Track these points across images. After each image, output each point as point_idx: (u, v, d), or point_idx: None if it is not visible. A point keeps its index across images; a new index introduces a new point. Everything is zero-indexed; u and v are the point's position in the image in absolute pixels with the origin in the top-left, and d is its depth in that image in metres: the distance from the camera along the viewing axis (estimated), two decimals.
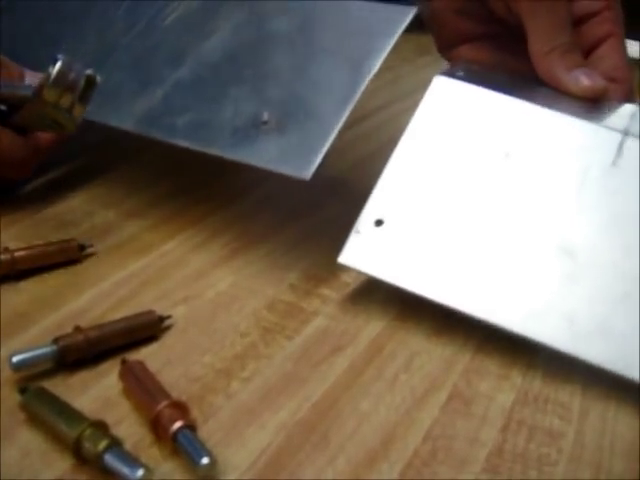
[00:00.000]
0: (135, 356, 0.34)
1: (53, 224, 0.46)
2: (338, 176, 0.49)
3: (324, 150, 0.37)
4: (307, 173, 0.37)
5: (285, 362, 0.35)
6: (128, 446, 0.29)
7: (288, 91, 0.40)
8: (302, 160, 0.38)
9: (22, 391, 0.31)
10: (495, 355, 0.36)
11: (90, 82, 0.40)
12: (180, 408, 0.30)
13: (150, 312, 0.36)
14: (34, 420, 0.30)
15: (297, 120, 0.39)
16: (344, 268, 0.42)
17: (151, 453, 0.29)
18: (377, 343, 0.37)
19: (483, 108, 0.40)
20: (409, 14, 0.39)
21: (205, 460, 0.27)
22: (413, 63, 0.78)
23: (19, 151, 0.45)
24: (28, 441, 0.29)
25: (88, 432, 0.28)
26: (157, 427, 0.29)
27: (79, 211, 0.47)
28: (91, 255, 0.43)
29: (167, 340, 0.36)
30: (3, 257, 0.39)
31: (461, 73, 0.43)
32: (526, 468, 0.30)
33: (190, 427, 0.29)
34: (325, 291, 0.41)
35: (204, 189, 0.52)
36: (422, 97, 0.41)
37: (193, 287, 0.40)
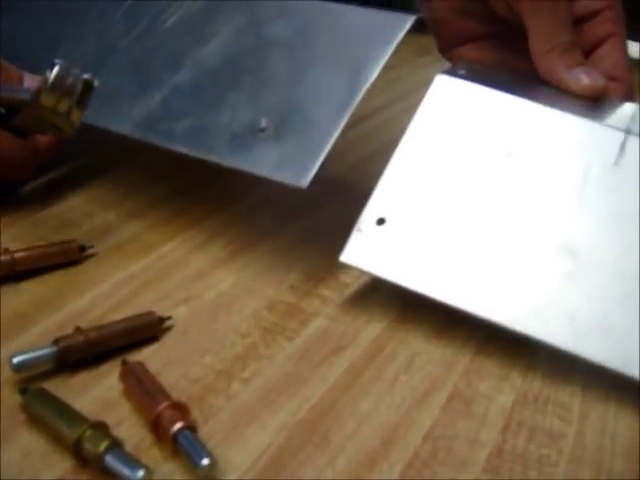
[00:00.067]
0: (135, 357, 0.34)
1: (53, 225, 0.46)
2: (338, 176, 0.49)
3: (321, 158, 0.37)
4: (304, 181, 0.37)
5: (285, 363, 0.35)
6: (129, 447, 0.29)
7: (286, 98, 0.40)
8: (299, 168, 0.38)
9: (22, 392, 0.31)
10: (495, 356, 0.36)
11: (88, 86, 0.40)
12: (180, 409, 0.30)
13: (150, 313, 0.36)
14: (34, 421, 0.30)
15: (294, 127, 0.39)
16: (344, 269, 0.42)
17: (151, 454, 0.29)
18: (377, 344, 0.37)
19: (485, 107, 0.40)
20: (408, 21, 0.39)
21: (205, 461, 0.27)
22: (413, 63, 0.78)
23: (18, 153, 0.45)
24: (28, 442, 0.29)
25: (88, 433, 0.28)
26: (157, 428, 0.29)
27: (79, 212, 0.47)
28: (91, 256, 0.43)
29: (167, 341, 0.36)
30: (3, 258, 0.39)
31: (463, 72, 0.43)
32: (526, 469, 0.30)
33: (190, 428, 0.29)
34: (325, 292, 0.41)
35: (204, 190, 0.52)
36: (423, 96, 0.41)
37: (193, 288, 0.40)
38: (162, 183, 0.52)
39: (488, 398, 0.34)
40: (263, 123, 0.40)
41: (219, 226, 0.47)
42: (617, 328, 0.33)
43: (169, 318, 0.37)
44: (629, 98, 0.46)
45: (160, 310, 0.37)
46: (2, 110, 0.44)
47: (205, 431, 0.30)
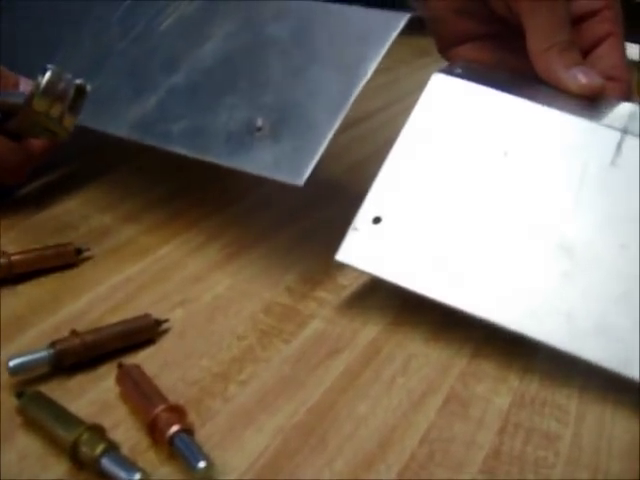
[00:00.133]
0: (132, 360, 0.34)
1: (50, 228, 0.46)
2: (335, 178, 0.49)
3: (317, 157, 0.37)
4: (300, 179, 0.37)
5: (282, 365, 0.35)
6: (125, 450, 0.29)
7: (282, 97, 0.40)
8: (295, 166, 0.38)
9: (19, 395, 0.31)
10: (492, 358, 0.36)
11: (80, 92, 0.40)
12: (177, 412, 0.30)
13: (147, 316, 0.36)
14: (31, 424, 0.30)
15: (291, 126, 0.39)
16: (341, 271, 0.42)
17: (148, 457, 0.29)
18: (374, 346, 0.37)
19: (481, 105, 0.40)
20: (402, 20, 0.39)
21: (202, 464, 0.27)
22: (411, 65, 0.78)
23: (12, 156, 0.45)
24: (25, 445, 0.29)
25: (85, 436, 0.28)
26: (154, 431, 0.29)
27: (75, 215, 0.47)
28: (88, 259, 0.43)
29: (164, 344, 0.36)
30: (0, 261, 0.39)
31: (459, 70, 0.43)
32: (523, 471, 0.30)
33: (187, 431, 0.29)
34: (322, 294, 0.41)
35: (200, 192, 0.52)
36: (420, 94, 0.41)
37: (190, 290, 0.40)
38: (158, 186, 0.52)
39: (485, 400, 0.34)
40: (259, 123, 0.40)
41: (215, 229, 0.47)
42: (614, 328, 0.33)
43: (166, 321, 0.37)
44: (627, 98, 0.46)
45: (157, 313, 0.37)
46: None
47: (202, 434, 0.30)
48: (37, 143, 0.47)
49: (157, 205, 0.49)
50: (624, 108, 0.43)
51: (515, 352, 0.36)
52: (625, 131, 0.38)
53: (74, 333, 0.34)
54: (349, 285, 0.41)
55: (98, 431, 0.29)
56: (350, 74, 0.39)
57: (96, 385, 0.33)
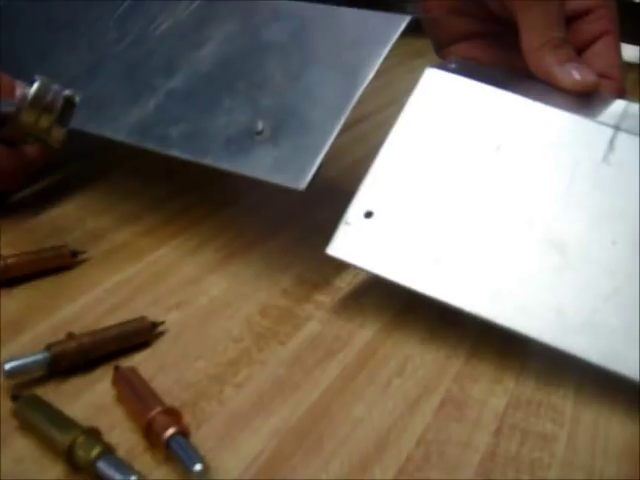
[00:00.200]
0: (128, 362, 0.34)
1: (45, 231, 0.46)
2: (330, 180, 0.49)
3: (319, 160, 0.37)
4: (302, 183, 0.37)
5: (278, 367, 0.35)
6: (121, 453, 0.29)
7: (282, 100, 0.40)
8: (297, 170, 0.38)
9: (15, 398, 0.31)
10: (488, 359, 0.36)
11: (69, 103, 0.40)
12: (173, 414, 0.30)
13: (143, 318, 0.36)
14: (27, 427, 0.30)
15: (291, 130, 0.39)
16: (337, 273, 0.42)
17: (144, 460, 0.29)
18: (370, 348, 0.37)
19: (474, 100, 0.40)
20: (402, 23, 0.39)
21: (198, 466, 0.27)
22: (407, 66, 0.78)
23: (6, 163, 0.45)
24: (21, 448, 0.29)
25: (81, 439, 0.28)
26: (150, 434, 0.29)
27: (71, 218, 0.47)
28: (84, 261, 0.43)
29: (160, 346, 0.36)
30: None
31: (453, 66, 0.43)
32: (519, 472, 0.30)
33: (183, 433, 0.29)
34: (318, 296, 0.41)
35: (197, 194, 0.52)
36: (414, 89, 0.41)
37: (186, 293, 0.40)
38: (154, 188, 0.52)
39: (481, 401, 0.34)
40: (259, 126, 0.40)
41: (211, 231, 0.47)
42: (604, 324, 0.33)
43: (162, 323, 0.37)
44: (621, 96, 0.46)
45: (153, 315, 0.37)
46: None
47: (198, 436, 0.30)
48: (32, 149, 0.47)
49: (153, 207, 0.49)
50: (618, 105, 0.43)
51: (510, 353, 0.36)
52: (617, 128, 0.38)
53: (70, 336, 0.34)
54: (345, 287, 0.41)
55: (94, 434, 0.29)
56: (351, 77, 0.39)
57: (92, 388, 0.33)
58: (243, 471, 0.29)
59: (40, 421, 0.29)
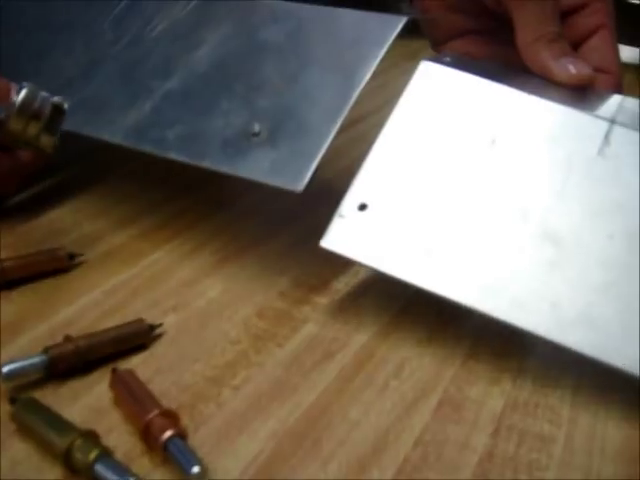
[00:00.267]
0: (125, 365, 0.34)
1: (42, 234, 0.46)
2: (329, 180, 0.49)
3: (316, 161, 0.37)
4: (300, 185, 0.37)
5: (276, 369, 0.35)
6: (119, 456, 0.29)
7: (279, 102, 0.40)
8: (294, 172, 0.37)
9: (12, 401, 0.31)
10: (485, 360, 0.36)
11: (58, 110, 0.40)
12: (170, 417, 0.30)
13: (140, 321, 0.36)
14: (24, 430, 0.30)
15: (288, 131, 0.39)
16: (334, 275, 0.42)
17: (142, 462, 0.29)
18: (367, 350, 0.37)
19: (469, 94, 0.40)
20: (399, 23, 0.39)
21: (196, 469, 0.27)
22: (401, 68, 0.78)
23: (1, 167, 0.45)
24: (19, 451, 0.29)
25: (78, 442, 0.28)
26: (147, 436, 0.29)
27: (68, 220, 0.47)
28: (81, 264, 0.43)
29: (157, 349, 0.36)
30: None
31: (448, 59, 0.43)
32: (516, 473, 0.30)
33: (180, 436, 0.29)
34: (315, 298, 0.41)
35: (192, 197, 0.52)
36: (408, 81, 0.41)
37: (183, 295, 0.40)
38: (150, 191, 0.52)
39: (478, 403, 0.34)
40: (256, 128, 0.40)
41: (208, 233, 0.47)
42: (600, 317, 0.33)
43: (159, 326, 0.37)
44: (618, 91, 0.46)
45: (150, 318, 0.37)
46: None
47: (196, 439, 0.30)
48: (26, 153, 0.47)
49: (149, 210, 0.49)
50: (614, 99, 0.43)
51: (508, 354, 0.36)
52: (613, 121, 0.38)
53: (67, 339, 0.34)
54: (342, 289, 0.41)
55: (92, 437, 0.29)
56: (348, 78, 0.39)
57: (90, 391, 0.33)
58: (241, 473, 0.29)
59: (38, 424, 0.29)
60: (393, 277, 0.36)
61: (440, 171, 0.38)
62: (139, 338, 0.36)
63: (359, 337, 0.38)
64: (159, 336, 0.37)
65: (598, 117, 0.38)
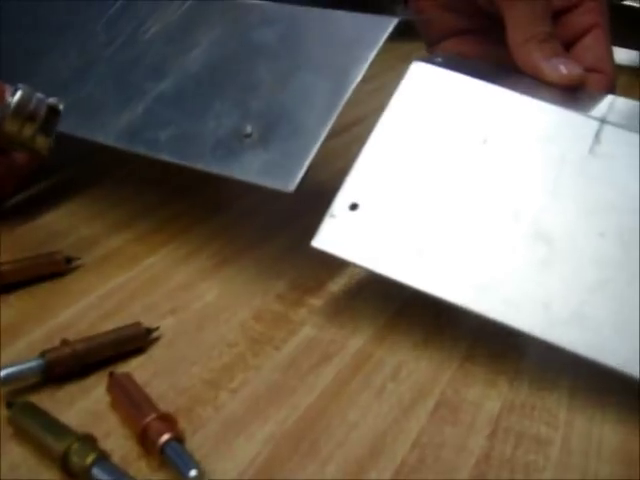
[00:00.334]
0: (123, 368, 0.34)
1: (39, 237, 0.46)
2: (324, 183, 0.49)
3: (307, 162, 0.37)
4: (291, 186, 0.37)
5: (273, 372, 0.35)
6: (116, 459, 0.29)
7: (271, 103, 0.40)
8: (285, 173, 0.38)
9: (9, 405, 0.31)
10: (482, 363, 0.36)
11: (53, 111, 0.40)
12: (168, 420, 0.30)
13: (137, 324, 0.36)
14: (22, 434, 0.30)
15: (280, 132, 0.39)
16: (331, 277, 0.42)
17: (139, 466, 0.29)
18: (364, 352, 0.37)
19: (461, 94, 0.40)
20: (390, 25, 0.39)
21: (193, 472, 0.27)
22: (397, 70, 0.78)
23: None
24: (16, 455, 0.29)
25: (75, 446, 0.28)
26: (145, 440, 0.29)
27: (64, 224, 0.47)
28: (77, 268, 0.43)
29: (155, 352, 0.36)
30: None
31: (440, 59, 0.43)
32: (513, 475, 0.30)
33: (178, 439, 0.29)
34: (312, 300, 0.41)
35: (190, 199, 0.52)
36: (400, 82, 0.41)
37: (180, 299, 0.40)
38: (147, 194, 0.52)
39: (475, 405, 0.34)
40: (248, 129, 0.40)
41: (204, 237, 0.47)
42: (592, 316, 0.33)
43: (156, 329, 0.37)
44: (611, 90, 0.46)
45: (147, 321, 0.37)
46: None
47: (193, 442, 0.30)
48: (20, 156, 0.47)
49: (147, 213, 0.49)
50: (605, 99, 0.43)
51: (505, 357, 0.36)
52: (604, 120, 0.38)
53: (64, 342, 0.34)
54: (339, 291, 0.42)
55: (89, 441, 0.29)
56: (339, 79, 0.39)
57: (87, 394, 0.33)
58: (239, 476, 0.29)
59: (35, 428, 0.29)
60: (384, 277, 0.36)
61: (432, 171, 0.38)
62: (136, 342, 0.36)
63: (356, 340, 0.38)
64: (156, 339, 0.37)
65: (589, 116, 0.39)
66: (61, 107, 0.41)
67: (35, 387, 0.33)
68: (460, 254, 0.36)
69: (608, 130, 0.37)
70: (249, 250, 0.45)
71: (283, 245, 0.46)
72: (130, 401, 0.31)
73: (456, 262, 0.36)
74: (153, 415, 0.29)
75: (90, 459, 0.27)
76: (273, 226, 0.49)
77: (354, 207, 0.38)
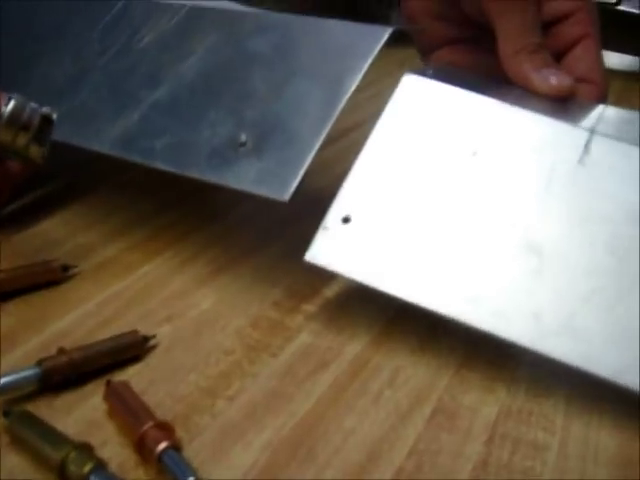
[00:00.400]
0: (120, 376, 0.34)
1: (35, 245, 0.46)
2: (319, 191, 0.49)
3: (302, 171, 0.37)
4: (286, 194, 0.37)
5: (270, 379, 0.35)
6: (113, 468, 0.29)
7: (265, 112, 0.40)
8: (280, 181, 0.38)
9: (6, 414, 0.31)
10: (479, 368, 0.36)
11: (47, 121, 0.40)
12: (165, 429, 0.30)
13: (134, 332, 0.36)
14: (19, 443, 0.30)
15: (275, 141, 0.39)
16: (328, 284, 0.42)
17: (136, 474, 0.29)
18: (361, 358, 0.37)
19: (451, 106, 0.40)
20: (385, 33, 0.39)
21: None
22: (394, 77, 0.78)
23: None
24: (13, 465, 0.29)
25: (73, 454, 0.28)
26: (142, 448, 0.29)
27: (60, 232, 0.47)
28: (74, 276, 0.43)
29: (152, 360, 0.36)
30: None
31: (431, 71, 0.43)
32: None
33: (175, 447, 0.29)
34: (309, 307, 0.41)
35: (186, 206, 0.52)
36: (391, 95, 0.41)
37: (177, 306, 0.40)
38: (142, 202, 0.52)
39: (472, 411, 0.34)
40: (243, 138, 0.40)
41: (201, 244, 0.47)
42: (583, 326, 0.33)
43: (153, 337, 0.37)
44: (602, 100, 0.46)
45: (144, 329, 0.37)
46: None
47: (190, 450, 0.30)
48: (15, 164, 0.47)
49: (143, 220, 0.49)
50: (596, 109, 0.43)
51: (501, 362, 0.36)
52: (593, 131, 0.38)
53: (61, 351, 0.34)
54: (335, 297, 0.42)
55: (86, 449, 0.29)
56: (334, 88, 0.39)
57: (84, 403, 0.33)
58: None
59: (32, 437, 0.29)
60: (377, 290, 0.37)
61: (423, 183, 0.39)
62: (133, 349, 0.36)
63: (353, 346, 0.38)
64: (153, 347, 0.37)
65: (579, 127, 0.39)
66: (54, 117, 0.41)
67: (32, 396, 0.33)
68: (452, 266, 0.36)
69: (598, 140, 0.38)
70: (245, 258, 0.45)
71: (279, 252, 0.46)
72: (127, 409, 0.31)
73: (448, 274, 0.36)
74: (150, 423, 0.29)
75: (87, 468, 0.27)
76: (269, 234, 0.49)
77: (346, 220, 0.38)
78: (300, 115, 0.39)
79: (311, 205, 0.45)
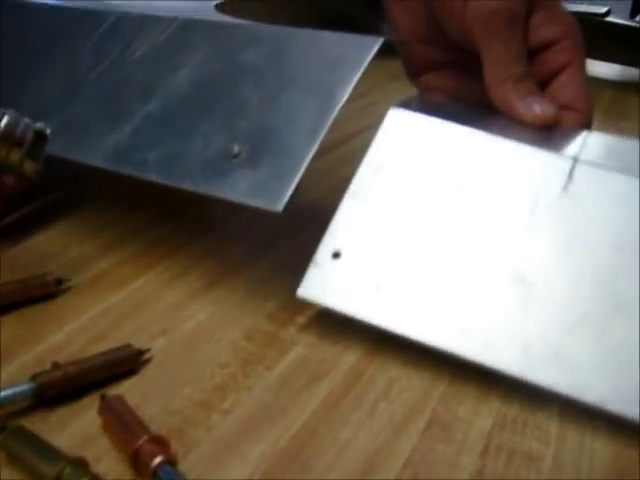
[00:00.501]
0: (114, 391, 0.34)
1: (29, 259, 0.45)
2: (313, 203, 0.50)
3: (295, 182, 0.38)
4: (279, 205, 0.37)
5: (265, 392, 0.35)
6: None
7: (258, 123, 0.40)
8: (273, 192, 0.38)
9: (0, 430, 0.30)
10: (473, 379, 0.36)
11: (40, 137, 0.41)
12: (160, 443, 0.30)
13: (128, 346, 0.36)
14: (13, 459, 0.30)
15: (267, 152, 0.39)
16: None
17: None
18: (356, 371, 0.37)
19: (436, 139, 0.41)
20: (376, 44, 0.39)
21: None
22: (386, 88, 0.78)
23: None
24: None
25: (68, 470, 0.28)
26: (137, 463, 0.29)
27: (54, 245, 0.47)
28: (68, 289, 0.42)
29: (146, 373, 0.36)
30: None
31: (415, 104, 0.43)
32: None
33: (170, 462, 0.29)
34: (303, 320, 0.41)
35: (180, 219, 0.52)
36: (378, 129, 0.42)
37: (171, 319, 0.40)
38: (137, 214, 0.52)
39: (467, 422, 0.34)
40: (236, 149, 0.40)
41: (194, 257, 0.47)
42: (570, 355, 0.34)
43: (147, 351, 0.37)
44: (587, 127, 0.46)
45: (138, 343, 0.37)
46: None
47: (186, 464, 0.30)
48: (9, 178, 0.47)
49: (137, 234, 0.49)
50: (580, 136, 0.44)
51: (495, 373, 0.36)
52: (576, 159, 0.38)
53: (56, 365, 0.34)
54: (330, 310, 0.41)
55: (81, 464, 0.28)
56: (325, 99, 0.39)
57: (78, 417, 0.33)
58: None
59: (26, 452, 0.29)
60: (368, 324, 0.37)
61: (411, 217, 0.39)
62: (128, 363, 0.36)
63: (347, 358, 0.38)
64: (147, 361, 0.37)
65: (562, 155, 0.39)
66: (48, 132, 0.41)
67: (26, 411, 0.33)
68: (441, 298, 0.37)
69: (581, 168, 0.38)
70: (239, 270, 0.45)
71: (273, 264, 0.46)
72: (122, 424, 0.31)
73: (437, 306, 0.37)
74: (145, 437, 0.29)
75: None
76: (263, 246, 0.49)
77: (337, 255, 0.39)
78: (292, 126, 0.39)
79: (302, 218, 0.45)
